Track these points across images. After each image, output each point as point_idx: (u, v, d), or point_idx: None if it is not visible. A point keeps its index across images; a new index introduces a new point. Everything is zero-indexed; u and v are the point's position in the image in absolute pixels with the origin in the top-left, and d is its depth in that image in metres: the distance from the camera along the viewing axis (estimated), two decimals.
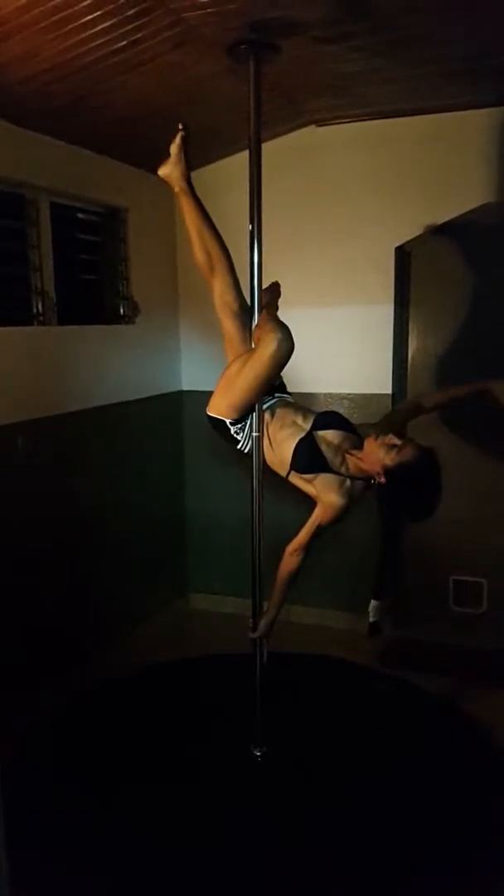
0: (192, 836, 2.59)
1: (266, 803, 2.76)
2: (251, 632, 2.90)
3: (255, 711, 2.92)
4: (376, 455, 2.57)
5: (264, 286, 2.71)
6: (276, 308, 2.75)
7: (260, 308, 2.66)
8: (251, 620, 2.90)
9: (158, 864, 2.46)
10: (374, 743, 3.13)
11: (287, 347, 2.45)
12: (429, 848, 2.51)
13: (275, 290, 2.83)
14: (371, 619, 2.87)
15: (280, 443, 2.70)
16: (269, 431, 2.72)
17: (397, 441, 2.54)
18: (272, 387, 2.67)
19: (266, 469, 2.77)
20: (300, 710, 3.34)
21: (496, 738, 3.12)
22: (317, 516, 2.70)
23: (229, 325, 2.78)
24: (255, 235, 2.64)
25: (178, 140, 2.69)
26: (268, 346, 2.46)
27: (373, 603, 2.84)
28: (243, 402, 2.64)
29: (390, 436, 2.56)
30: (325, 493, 2.66)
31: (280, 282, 2.91)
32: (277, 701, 3.00)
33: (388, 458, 2.54)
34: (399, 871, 2.42)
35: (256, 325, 2.63)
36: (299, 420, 2.71)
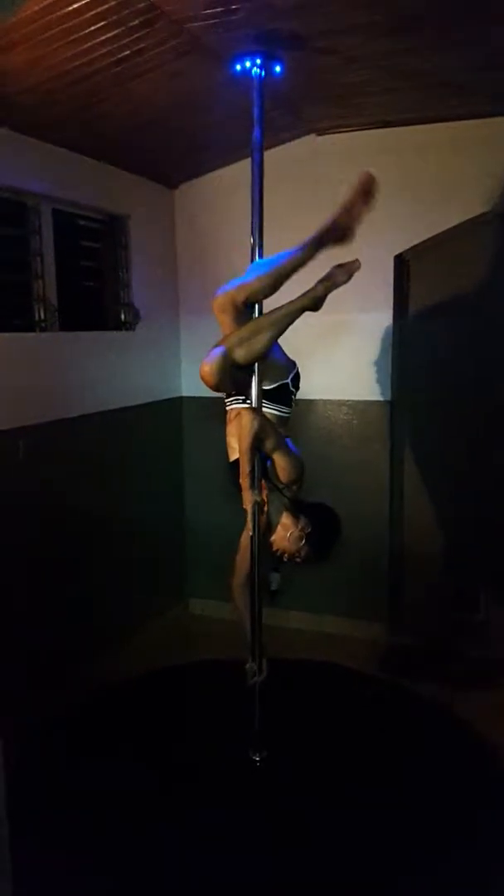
0: (191, 838, 2.60)
1: (265, 808, 2.76)
2: (255, 676, 2.89)
3: (253, 716, 2.92)
4: (284, 537, 2.78)
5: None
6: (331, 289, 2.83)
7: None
8: (253, 665, 2.89)
9: (158, 865, 2.47)
10: (371, 748, 3.14)
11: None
12: (426, 853, 2.51)
13: (348, 271, 2.85)
14: (272, 588, 3.03)
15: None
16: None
17: (299, 556, 2.78)
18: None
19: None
20: (299, 716, 3.34)
21: (494, 744, 3.12)
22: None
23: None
24: (257, 242, 2.66)
25: None
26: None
27: (273, 574, 3.01)
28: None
29: (295, 548, 2.77)
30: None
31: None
32: (276, 706, 3.00)
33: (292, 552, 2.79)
34: (397, 875, 2.43)
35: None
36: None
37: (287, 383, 2.84)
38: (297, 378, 2.89)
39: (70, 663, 3.55)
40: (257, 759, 2.91)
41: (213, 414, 4.40)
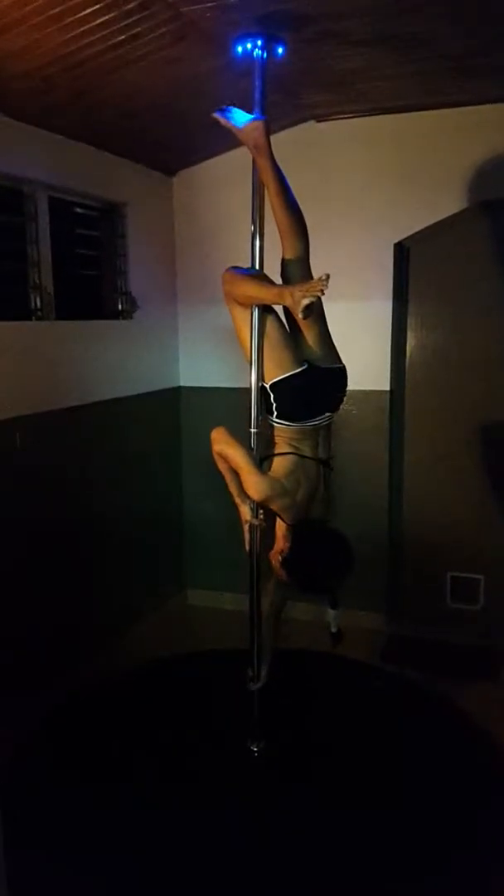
0: (188, 831, 2.60)
1: (262, 799, 2.76)
2: (252, 683, 2.88)
3: (252, 707, 2.92)
4: (272, 554, 2.70)
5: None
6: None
7: None
8: (250, 670, 2.89)
9: (155, 859, 2.47)
10: (370, 739, 3.13)
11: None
12: (426, 846, 2.51)
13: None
14: (333, 630, 2.89)
15: None
16: None
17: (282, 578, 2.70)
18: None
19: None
20: (298, 707, 3.34)
21: (492, 734, 3.12)
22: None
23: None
24: (257, 230, 2.62)
25: None
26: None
27: (331, 612, 2.88)
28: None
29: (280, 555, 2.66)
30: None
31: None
32: (275, 697, 3.00)
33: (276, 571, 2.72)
34: (397, 870, 2.43)
35: None
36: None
37: (264, 385, 2.60)
38: (280, 385, 2.56)
39: (68, 654, 3.55)
40: (255, 749, 2.91)
41: (211, 404, 4.40)
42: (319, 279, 2.27)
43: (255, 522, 2.69)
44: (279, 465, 2.62)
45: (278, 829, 2.61)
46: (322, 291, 2.26)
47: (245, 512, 2.71)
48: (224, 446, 2.60)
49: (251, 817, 2.68)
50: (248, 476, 2.54)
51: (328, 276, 2.26)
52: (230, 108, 2.55)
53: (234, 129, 2.54)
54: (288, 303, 2.37)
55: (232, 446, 2.58)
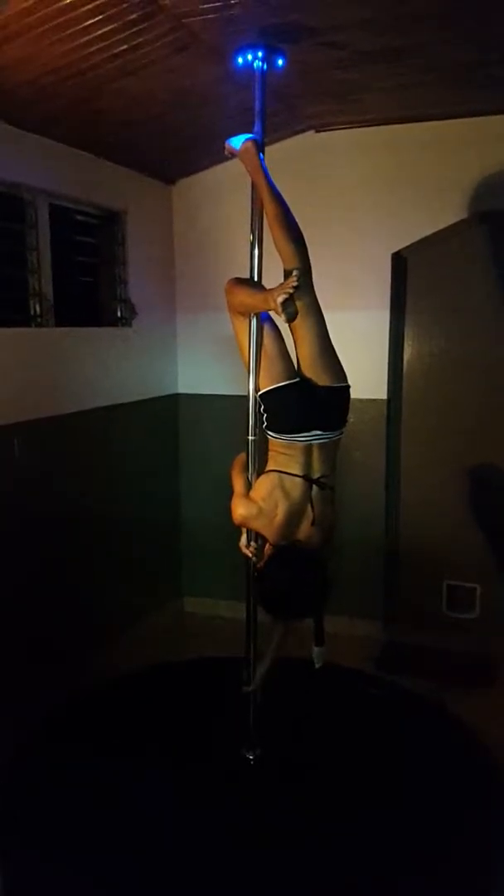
0: (187, 832, 2.60)
1: (258, 807, 2.76)
2: (245, 686, 2.87)
3: (248, 714, 2.92)
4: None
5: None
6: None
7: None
8: (245, 672, 2.87)
9: (154, 859, 2.46)
10: (366, 746, 3.13)
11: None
12: (421, 853, 2.51)
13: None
14: (317, 665, 2.87)
15: None
16: None
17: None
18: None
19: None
20: (293, 714, 3.34)
21: (488, 742, 3.12)
22: None
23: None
24: (256, 239, 2.63)
25: None
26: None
27: (315, 650, 2.85)
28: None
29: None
30: None
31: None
32: (271, 704, 2.99)
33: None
34: (393, 876, 2.42)
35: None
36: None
37: (257, 397, 2.61)
38: (267, 396, 2.54)
39: (64, 660, 3.54)
40: (251, 757, 2.91)
41: (209, 411, 4.41)
42: (290, 276, 2.36)
43: (245, 552, 2.70)
44: (260, 485, 2.60)
45: (275, 833, 2.60)
46: (293, 287, 2.33)
47: (243, 540, 2.72)
48: (233, 470, 2.73)
49: (249, 819, 2.67)
50: (233, 499, 2.65)
51: (298, 275, 2.36)
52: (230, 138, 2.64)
53: (236, 152, 2.63)
54: (272, 306, 2.39)
55: (235, 471, 2.72)
